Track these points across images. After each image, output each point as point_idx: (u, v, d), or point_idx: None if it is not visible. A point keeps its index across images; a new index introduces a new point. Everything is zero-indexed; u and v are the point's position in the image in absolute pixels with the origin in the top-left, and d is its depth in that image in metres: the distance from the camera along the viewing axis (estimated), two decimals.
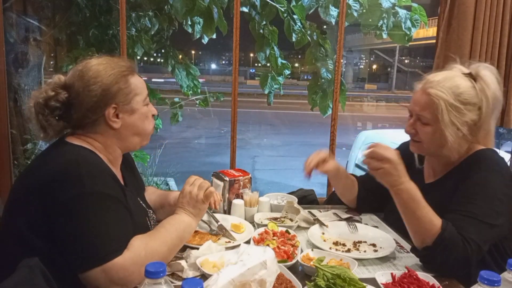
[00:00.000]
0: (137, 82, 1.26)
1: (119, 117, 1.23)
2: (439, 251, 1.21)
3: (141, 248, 1.10)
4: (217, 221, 1.51)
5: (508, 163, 3.12)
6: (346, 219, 1.64)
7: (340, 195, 1.77)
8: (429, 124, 1.37)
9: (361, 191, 1.73)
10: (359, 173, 1.95)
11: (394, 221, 1.61)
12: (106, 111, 1.20)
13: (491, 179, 1.32)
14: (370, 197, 1.70)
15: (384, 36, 3.40)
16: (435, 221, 1.24)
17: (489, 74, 1.37)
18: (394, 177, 1.28)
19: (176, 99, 4.13)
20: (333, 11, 3.25)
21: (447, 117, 1.32)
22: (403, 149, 1.54)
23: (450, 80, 1.35)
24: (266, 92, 3.71)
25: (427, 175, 1.57)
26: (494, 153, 1.42)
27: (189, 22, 3.49)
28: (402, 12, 3.32)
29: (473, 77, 1.36)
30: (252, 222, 1.58)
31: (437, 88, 1.34)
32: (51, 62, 3.69)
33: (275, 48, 3.56)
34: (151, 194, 1.56)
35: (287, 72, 3.67)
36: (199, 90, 4.01)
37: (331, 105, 3.53)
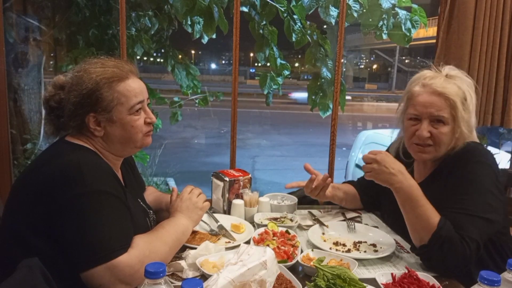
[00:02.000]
0: (125, 90, 1.20)
1: (101, 125, 1.20)
2: (436, 249, 1.22)
3: (145, 247, 1.11)
4: (217, 221, 1.51)
5: (508, 163, 3.12)
6: (350, 219, 1.64)
7: (344, 206, 1.79)
8: (446, 124, 1.38)
9: (362, 195, 1.78)
10: (359, 173, 1.96)
11: (391, 223, 1.62)
12: (86, 118, 1.19)
13: (480, 171, 1.32)
14: (372, 199, 1.75)
15: (384, 36, 3.40)
16: (433, 219, 1.24)
17: (460, 73, 1.43)
18: (385, 175, 1.30)
19: (176, 99, 4.13)
20: (333, 11, 3.24)
21: (463, 113, 1.37)
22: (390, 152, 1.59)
23: (447, 81, 1.39)
24: (266, 92, 3.71)
25: (417, 176, 1.56)
26: (478, 145, 1.44)
27: (189, 22, 3.48)
28: (402, 13, 3.32)
29: (449, 77, 1.41)
30: (252, 222, 1.58)
31: (446, 87, 1.37)
32: (51, 62, 3.69)
33: (275, 49, 3.55)
34: (149, 195, 1.57)
35: (286, 72, 3.67)
36: (199, 90, 4.01)
37: (330, 106, 3.53)
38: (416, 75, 1.48)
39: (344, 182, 1.86)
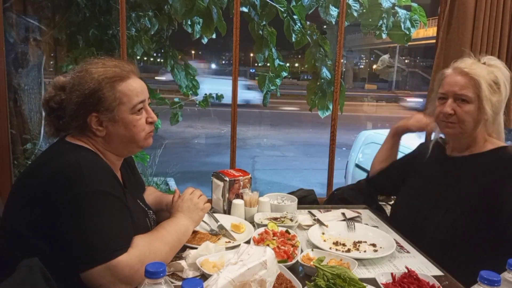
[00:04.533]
0: (127, 89, 1.20)
1: (103, 125, 1.21)
2: None
3: (145, 247, 1.11)
4: (217, 221, 1.52)
5: None
6: (350, 219, 1.64)
7: (378, 157, 1.90)
8: (470, 102, 1.43)
9: (384, 171, 1.85)
10: (359, 173, 1.97)
11: (402, 217, 1.63)
12: (88, 118, 1.19)
13: None
14: (385, 180, 1.85)
15: (384, 36, 3.41)
16: None
17: (499, 63, 1.48)
18: None
19: (176, 99, 4.13)
20: (333, 11, 3.25)
21: (488, 93, 1.41)
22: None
23: (478, 65, 1.45)
24: (264, 92, 3.72)
25: (452, 149, 1.61)
26: None
27: (189, 22, 3.49)
28: (401, 12, 3.33)
29: (487, 65, 1.46)
30: (252, 222, 1.58)
31: (473, 68, 1.43)
32: (51, 62, 3.69)
33: (273, 50, 3.56)
34: (149, 195, 1.56)
35: (284, 74, 3.67)
36: (198, 90, 4.01)
37: (330, 106, 3.54)
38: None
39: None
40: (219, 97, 4.24)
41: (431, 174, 1.62)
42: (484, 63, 1.47)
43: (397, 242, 1.44)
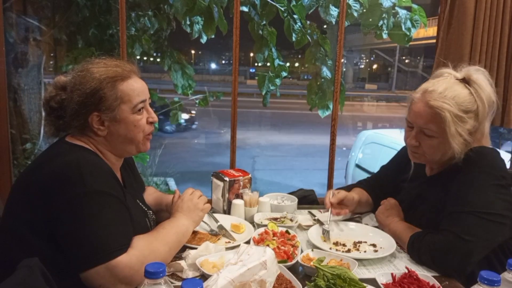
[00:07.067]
0: (129, 89, 1.21)
1: (105, 124, 1.21)
2: None
3: (145, 247, 1.11)
4: (217, 221, 1.51)
5: (508, 163, 3.12)
6: (350, 219, 1.64)
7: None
8: (434, 137, 1.35)
9: (374, 198, 1.74)
10: (359, 173, 1.96)
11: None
12: (89, 118, 1.19)
13: (481, 178, 1.31)
14: (379, 200, 1.71)
15: (384, 36, 3.40)
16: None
17: (481, 77, 1.36)
18: None
19: (176, 99, 4.13)
20: (333, 11, 3.25)
21: (454, 129, 1.31)
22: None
23: (450, 90, 1.33)
24: (264, 92, 3.72)
25: (428, 169, 1.57)
26: (491, 152, 1.40)
27: (188, 22, 3.48)
28: (402, 13, 3.32)
29: (466, 81, 1.36)
30: (252, 222, 1.59)
31: (440, 100, 1.31)
32: (51, 62, 3.69)
33: (273, 50, 3.55)
34: (149, 195, 1.57)
35: (284, 74, 3.67)
36: (192, 90, 4.00)
37: (330, 106, 3.54)
38: (431, 77, 1.44)
39: (352, 186, 1.81)
40: (218, 95, 4.24)
41: (410, 193, 1.56)
42: (463, 79, 1.36)
43: (397, 242, 1.44)
